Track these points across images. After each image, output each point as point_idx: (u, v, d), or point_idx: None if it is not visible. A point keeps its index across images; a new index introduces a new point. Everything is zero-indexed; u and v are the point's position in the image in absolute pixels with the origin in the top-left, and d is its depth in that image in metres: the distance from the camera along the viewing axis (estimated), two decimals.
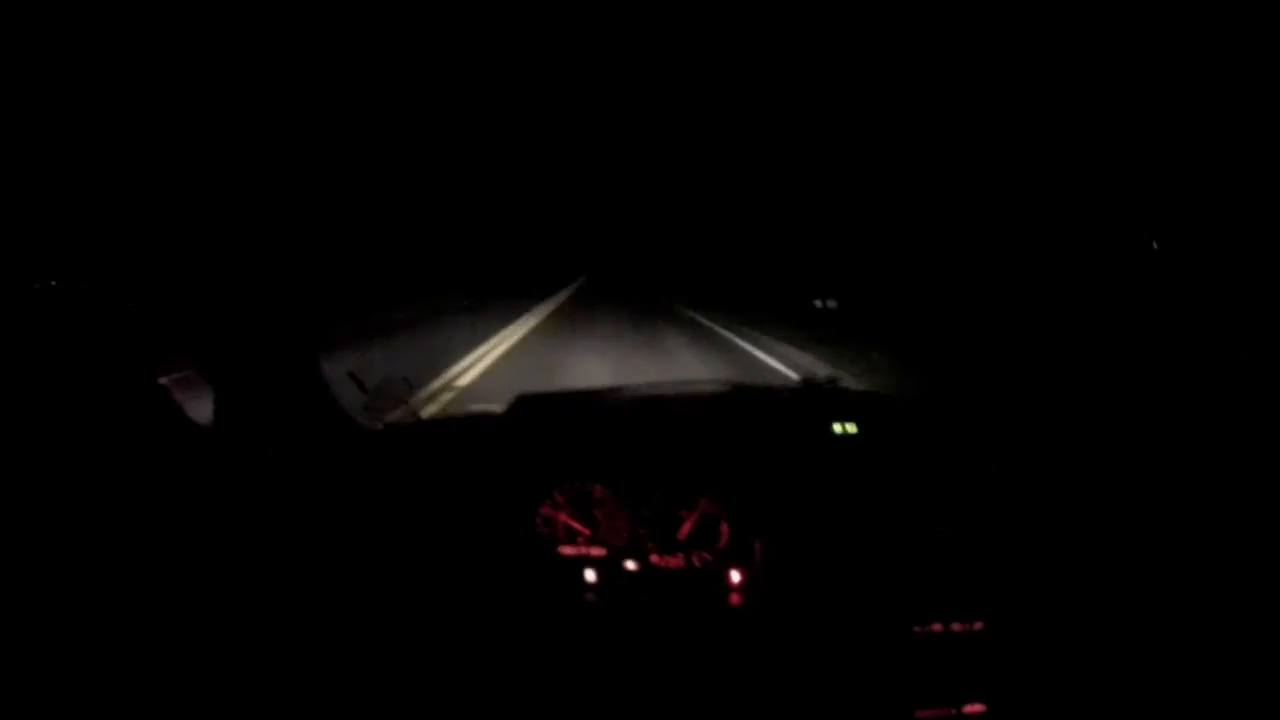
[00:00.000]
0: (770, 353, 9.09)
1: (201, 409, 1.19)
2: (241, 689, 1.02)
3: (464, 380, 6.42)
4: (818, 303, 13.61)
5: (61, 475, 0.94)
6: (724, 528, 1.37)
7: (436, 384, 6.11)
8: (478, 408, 1.71)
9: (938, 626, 1.21)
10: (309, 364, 1.32)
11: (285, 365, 1.26)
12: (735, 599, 1.32)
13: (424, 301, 13.54)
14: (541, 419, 1.60)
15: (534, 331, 10.89)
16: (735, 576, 1.33)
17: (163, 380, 1.14)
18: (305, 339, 1.31)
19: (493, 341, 9.07)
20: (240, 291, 1.22)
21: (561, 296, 19.82)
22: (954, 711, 1.14)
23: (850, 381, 2.07)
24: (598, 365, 7.71)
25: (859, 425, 1.43)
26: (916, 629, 1.22)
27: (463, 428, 1.62)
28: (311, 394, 1.31)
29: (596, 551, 1.37)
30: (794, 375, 6.66)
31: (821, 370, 6.43)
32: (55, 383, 0.99)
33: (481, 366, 7.23)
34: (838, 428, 1.43)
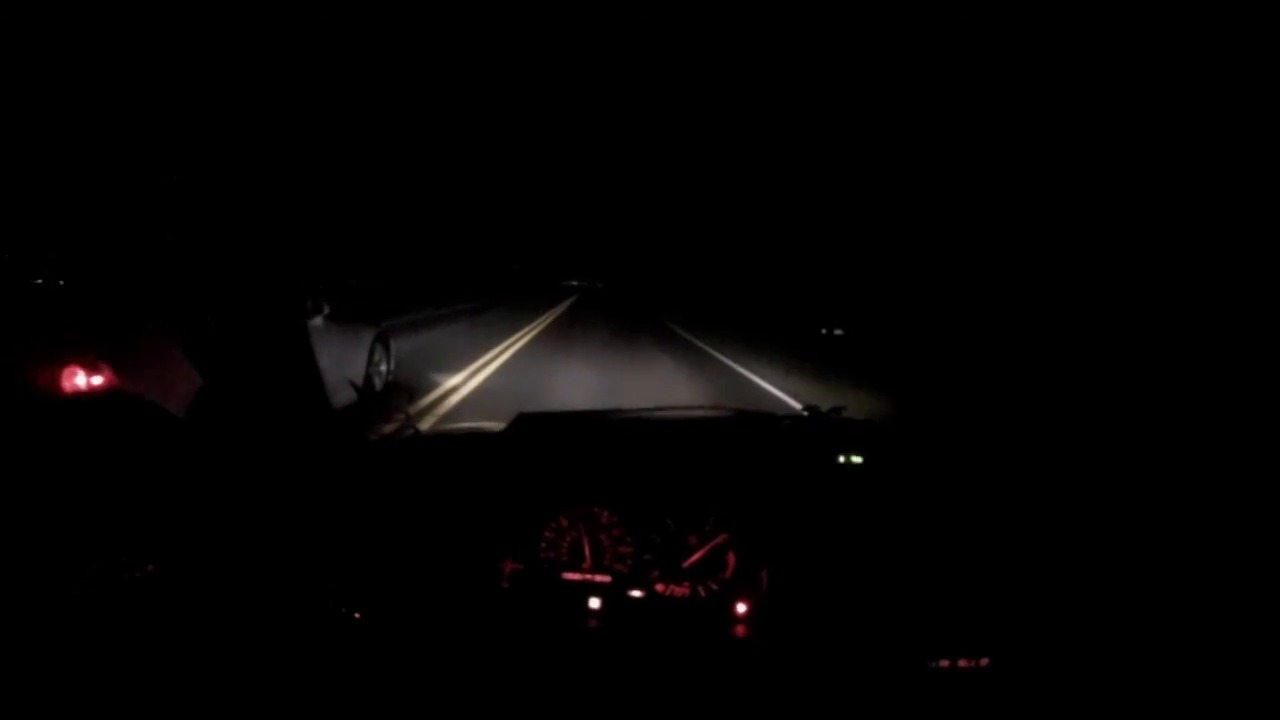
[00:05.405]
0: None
1: (188, 394, 1.13)
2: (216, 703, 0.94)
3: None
4: (823, 330, 14.37)
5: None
6: (730, 557, 1.35)
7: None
8: (475, 425, 1.67)
9: (944, 662, 1.18)
10: (304, 362, 1.26)
11: (278, 360, 1.20)
12: (740, 630, 1.29)
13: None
14: (544, 439, 1.58)
15: None
16: (740, 607, 1.30)
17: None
18: (302, 336, 1.25)
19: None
20: (243, 275, 1.17)
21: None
22: None
23: (854, 411, 2.07)
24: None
25: (864, 456, 1.43)
26: (923, 665, 1.19)
27: (462, 445, 1.58)
28: (302, 393, 1.25)
29: (601, 578, 1.34)
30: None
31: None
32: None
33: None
34: (843, 458, 1.42)
